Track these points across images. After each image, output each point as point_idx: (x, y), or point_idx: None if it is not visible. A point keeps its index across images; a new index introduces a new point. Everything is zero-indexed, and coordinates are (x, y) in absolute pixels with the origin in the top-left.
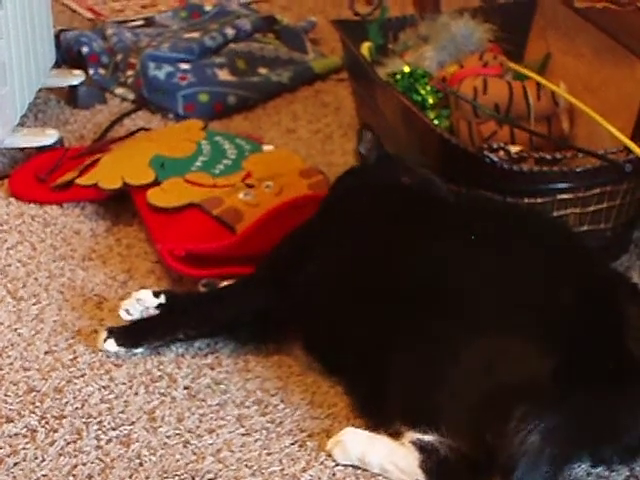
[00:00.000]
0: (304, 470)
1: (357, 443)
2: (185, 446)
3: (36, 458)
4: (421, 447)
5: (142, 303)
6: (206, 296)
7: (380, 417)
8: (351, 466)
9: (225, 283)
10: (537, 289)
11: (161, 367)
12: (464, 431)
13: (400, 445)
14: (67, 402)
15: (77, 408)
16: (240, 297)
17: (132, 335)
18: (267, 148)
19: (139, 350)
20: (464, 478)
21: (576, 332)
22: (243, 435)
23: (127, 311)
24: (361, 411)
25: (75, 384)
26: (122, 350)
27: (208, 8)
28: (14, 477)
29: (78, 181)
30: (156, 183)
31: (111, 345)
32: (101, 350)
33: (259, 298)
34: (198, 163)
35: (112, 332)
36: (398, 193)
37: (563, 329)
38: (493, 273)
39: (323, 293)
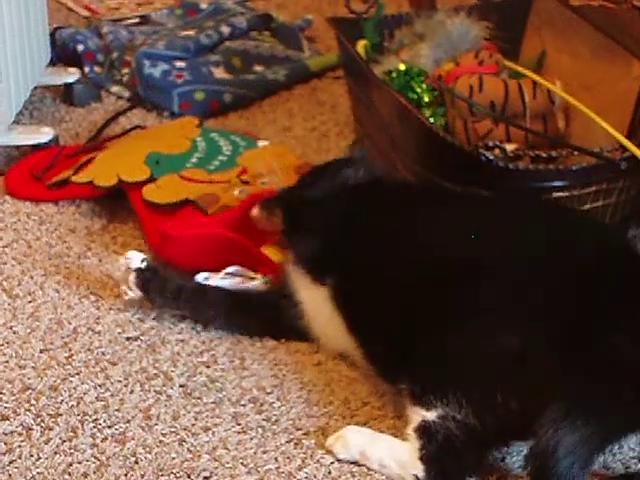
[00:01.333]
0: (300, 468)
1: (359, 438)
2: (181, 444)
3: (31, 456)
4: (422, 432)
5: None
6: None
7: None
8: (347, 464)
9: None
10: (561, 287)
11: (157, 365)
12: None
13: (402, 442)
14: (62, 400)
15: (72, 406)
16: None
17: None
18: (262, 144)
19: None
20: (465, 460)
21: (601, 330)
22: (239, 433)
23: None
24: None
25: (71, 382)
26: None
27: (204, 6)
28: (9, 475)
29: (73, 179)
30: (151, 180)
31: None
32: (97, 348)
33: None
34: (193, 160)
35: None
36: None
37: (589, 327)
38: (520, 269)
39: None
